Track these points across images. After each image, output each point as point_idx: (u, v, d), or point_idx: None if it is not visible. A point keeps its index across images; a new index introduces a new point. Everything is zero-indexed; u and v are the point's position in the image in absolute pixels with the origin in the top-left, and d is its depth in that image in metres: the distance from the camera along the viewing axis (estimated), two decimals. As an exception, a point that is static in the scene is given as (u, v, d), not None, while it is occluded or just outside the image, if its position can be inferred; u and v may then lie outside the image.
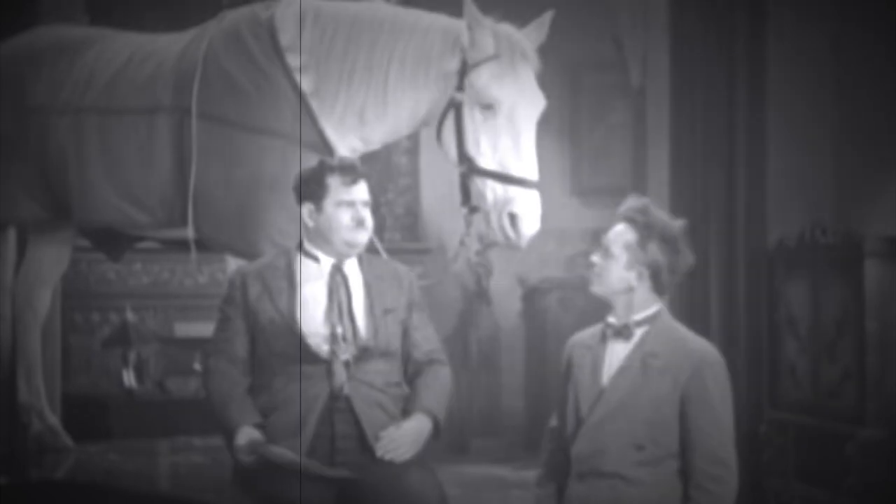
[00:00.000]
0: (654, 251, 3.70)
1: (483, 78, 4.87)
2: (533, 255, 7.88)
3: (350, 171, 4.06)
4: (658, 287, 3.73)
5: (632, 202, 3.77)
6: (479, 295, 8.32)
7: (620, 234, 3.73)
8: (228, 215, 5.11)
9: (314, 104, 5.05)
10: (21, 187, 5.54)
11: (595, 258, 3.77)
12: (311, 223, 4.04)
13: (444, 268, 8.03)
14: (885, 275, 5.75)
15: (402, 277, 4.12)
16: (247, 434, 3.90)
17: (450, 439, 7.07)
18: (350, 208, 4.01)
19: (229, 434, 3.94)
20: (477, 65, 4.87)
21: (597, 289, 3.78)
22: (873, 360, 5.74)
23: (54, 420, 6.02)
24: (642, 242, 3.71)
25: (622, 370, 3.69)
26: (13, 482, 5.40)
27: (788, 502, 6.20)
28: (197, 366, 7.92)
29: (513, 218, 4.83)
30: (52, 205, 5.53)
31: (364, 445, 3.94)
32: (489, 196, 4.86)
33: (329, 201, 4.02)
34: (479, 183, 4.88)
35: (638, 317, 3.73)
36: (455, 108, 4.91)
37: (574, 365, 3.77)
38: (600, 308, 3.89)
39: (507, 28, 4.93)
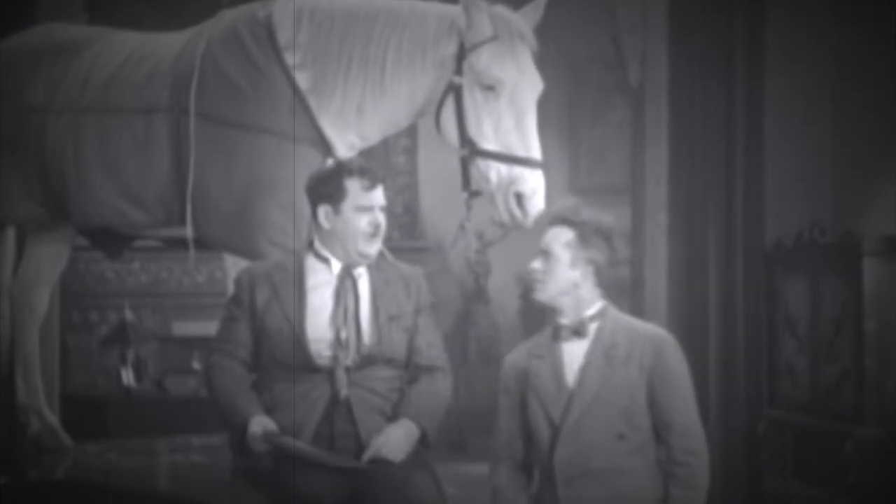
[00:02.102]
0: (594, 246, 3.80)
1: (483, 59, 4.84)
2: (531, 253, 7.88)
3: (369, 175, 4.04)
4: (601, 281, 3.84)
5: (562, 204, 3.88)
6: (477, 294, 8.34)
7: (558, 235, 3.82)
8: (227, 214, 5.10)
9: (312, 101, 5.05)
10: (19, 187, 5.54)
11: (536, 264, 3.83)
12: (326, 225, 4.02)
13: (443, 260, 8.04)
14: (884, 274, 5.76)
15: (410, 281, 4.09)
16: (261, 423, 3.87)
17: (449, 439, 7.08)
18: (368, 213, 4.00)
19: (240, 426, 3.89)
20: (475, 47, 4.85)
21: (540, 295, 3.85)
22: (872, 360, 5.75)
23: (53, 419, 6.02)
24: (581, 239, 3.81)
25: (587, 367, 3.77)
26: (12, 482, 5.39)
27: (787, 501, 6.21)
28: (196, 364, 7.93)
29: (519, 197, 4.80)
30: (50, 204, 5.52)
31: (363, 446, 3.94)
32: (493, 177, 4.83)
33: (347, 205, 4.00)
34: (482, 165, 4.85)
35: (590, 312, 3.82)
36: (454, 91, 4.89)
37: (530, 376, 3.81)
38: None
39: (503, 9, 4.92)
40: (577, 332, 3.80)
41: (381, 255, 4.14)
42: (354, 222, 3.99)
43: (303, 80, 5.04)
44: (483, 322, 8.23)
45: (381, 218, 4.03)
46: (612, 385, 3.75)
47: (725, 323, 6.59)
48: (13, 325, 5.98)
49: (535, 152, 4.85)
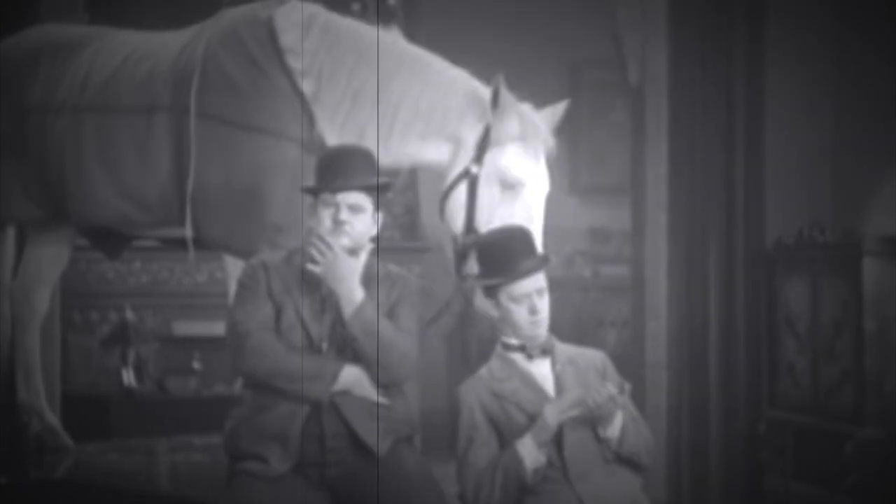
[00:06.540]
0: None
1: (507, 157, 4.79)
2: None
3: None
4: None
5: (527, 262, 4.13)
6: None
7: (539, 279, 4.13)
8: (226, 215, 5.09)
9: (314, 108, 5.03)
10: (19, 186, 5.53)
11: (541, 305, 4.10)
12: (309, 222, 4.06)
13: (443, 267, 8.02)
14: (884, 274, 5.77)
15: (395, 281, 4.09)
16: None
17: (447, 437, 7.08)
18: (331, 208, 4.00)
19: (328, 377, 3.92)
20: (501, 143, 4.83)
21: (545, 332, 4.12)
22: (872, 360, 5.76)
23: (54, 419, 6.02)
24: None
25: (561, 376, 4.07)
26: (13, 482, 5.39)
27: (787, 501, 6.21)
28: (196, 365, 7.94)
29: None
30: (50, 204, 5.52)
31: (356, 444, 3.95)
32: None
33: (318, 201, 4.02)
34: None
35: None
36: (469, 179, 4.87)
37: (505, 396, 4.04)
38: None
39: (529, 110, 4.87)
40: (545, 350, 4.10)
41: (372, 256, 4.13)
42: (319, 215, 4.01)
43: (305, 84, 5.02)
44: (483, 322, 8.22)
45: (347, 217, 3.99)
46: (586, 386, 3.99)
47: (726, 323, 6.60)
48: (14, 325, 5.98)
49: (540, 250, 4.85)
